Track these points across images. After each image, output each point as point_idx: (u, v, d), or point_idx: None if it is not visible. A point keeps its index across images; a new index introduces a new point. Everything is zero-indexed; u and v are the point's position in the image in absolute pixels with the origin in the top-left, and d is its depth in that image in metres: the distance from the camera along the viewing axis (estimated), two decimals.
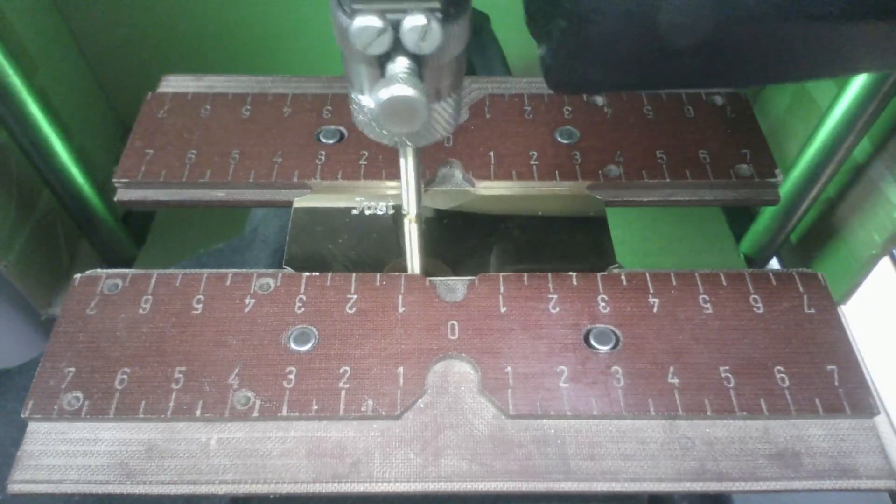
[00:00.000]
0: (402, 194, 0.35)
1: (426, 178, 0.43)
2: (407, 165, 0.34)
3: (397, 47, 0.26)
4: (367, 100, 0.29)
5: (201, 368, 0.34)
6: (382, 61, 0.26)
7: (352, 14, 0.25)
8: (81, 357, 0.35)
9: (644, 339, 0.35)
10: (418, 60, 0.26)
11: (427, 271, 0.39)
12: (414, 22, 0.25)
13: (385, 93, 0.26)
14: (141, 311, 0.36)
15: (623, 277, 0.38)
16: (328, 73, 0.49)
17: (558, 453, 0.32)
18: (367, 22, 0.25)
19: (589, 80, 0.27)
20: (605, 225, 0.41)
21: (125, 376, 0.34)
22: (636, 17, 0.22)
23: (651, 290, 0.37)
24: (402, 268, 0.39)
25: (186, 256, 0.55)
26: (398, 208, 0.42)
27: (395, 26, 0.25)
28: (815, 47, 0.24)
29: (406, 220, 0.37)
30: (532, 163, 0.43)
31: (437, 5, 0.25)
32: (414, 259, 0.39)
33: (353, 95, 0.29)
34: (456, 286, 0.38)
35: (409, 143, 0.31)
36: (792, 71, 0.26)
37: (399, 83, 0.26)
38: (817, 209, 0.67)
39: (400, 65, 0.26)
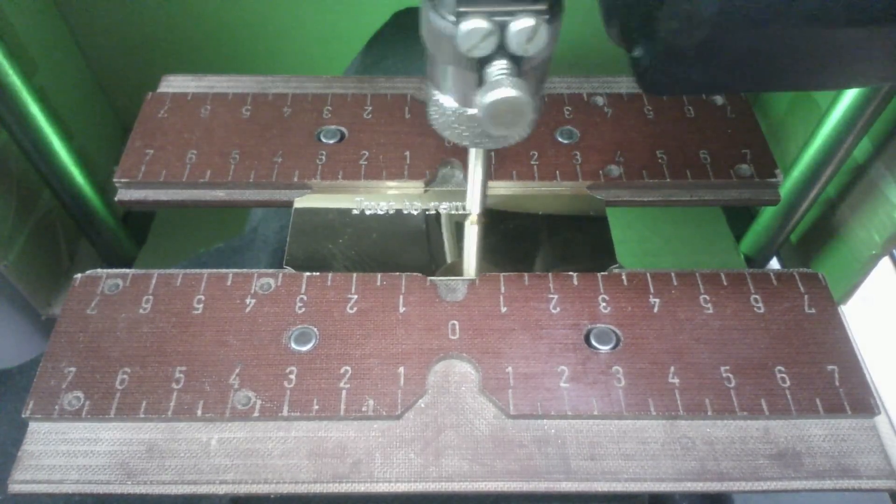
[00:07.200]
0: (468, 195, 0.35)
1: (427, 178, 0.43)
2: (476, 167, 0.33)
3: (497, 49, 0.26)
4: (449, 100, 0.29)
5: (202, 368, 0.34)
6: (481, 64, 0.26)
7: (458, 17, 0.25)
8: (82, 357, 0.35)
9: (645, 339, 0.35)
10: (516, 62, 0.26)
11: (481, 273, 0.39)
12: (523, 24, 0.25)
13: (492, 95, 0.25)
14: (141, 311, 0.36)
15: (623, 277, 0.38)
16: (328, 73, 0.50)
17: (559, 453, 0.32)
18: (474, 25, 0.25)
19: (690, 82, 0.26)
20: (606, 225, 0.41)
21: (126, 376, 0.34)
22: (758, 18, 0.22)
23: (652, 290, 0.37)
24: (458, 269, 0.39)
25: (186, 256, 0.55)
26: (397, 210, 0.42)
27: (501, 28, 0.25)
28: None
29: (467, 222, 0.37)
30: (532, 163, 0.43)
31: (543, 7, 0.25)
32: (470, 260, 0.38)
33: (435, 98, 0.29)
34: (456, 286, 0.38)
35: (491, 145, 0.31)
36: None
37: (506, 86, 0.25)
38: (817, 209, 0.67)
39: (500, 67, 0.26)
